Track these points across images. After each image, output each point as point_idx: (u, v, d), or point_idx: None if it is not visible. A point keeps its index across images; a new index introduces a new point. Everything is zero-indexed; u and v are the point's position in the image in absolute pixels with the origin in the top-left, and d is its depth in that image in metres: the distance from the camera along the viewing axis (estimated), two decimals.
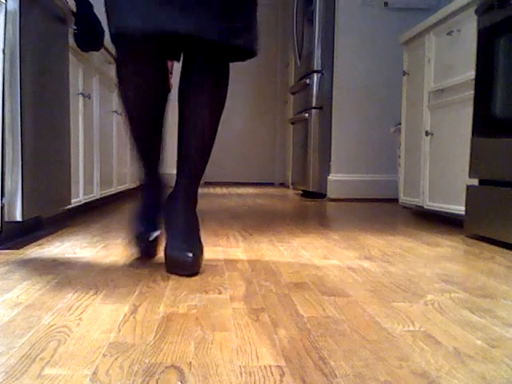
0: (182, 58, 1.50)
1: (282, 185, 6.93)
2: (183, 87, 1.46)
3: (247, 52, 1.42)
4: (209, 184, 6.79)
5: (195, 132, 1.44)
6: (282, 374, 0.77)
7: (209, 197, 4.53)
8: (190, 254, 1.38)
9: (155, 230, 1.54)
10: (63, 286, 1.29)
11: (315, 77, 4.40)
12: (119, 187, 3.67)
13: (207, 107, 1.45)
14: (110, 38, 1.33)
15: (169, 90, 1.47)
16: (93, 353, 0.84)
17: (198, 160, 1.46)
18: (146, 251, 1.56)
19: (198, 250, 1.42)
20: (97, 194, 2.96)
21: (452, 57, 2.58)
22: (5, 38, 1.71)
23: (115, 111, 3.48)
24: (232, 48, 1.40)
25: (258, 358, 0.84)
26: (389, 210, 3.49)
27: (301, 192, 5.07)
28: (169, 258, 1.41)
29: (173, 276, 1.40)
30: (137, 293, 1.23)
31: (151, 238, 1.53)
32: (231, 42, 1.34)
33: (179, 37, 1.34)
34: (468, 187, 2.24)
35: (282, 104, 6.93)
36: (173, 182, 1.49)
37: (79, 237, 2.06)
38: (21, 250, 1.74)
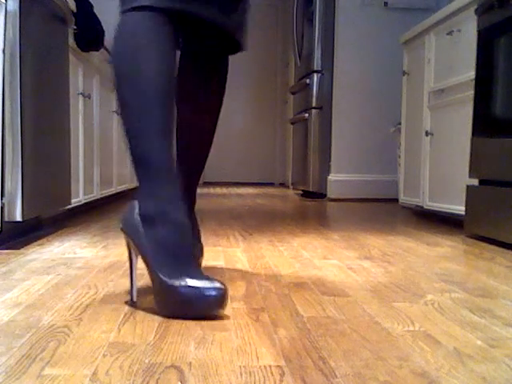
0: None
1: (282, 185, 6.93)
2: (182, 84, 1.40)
3: (239, 47, 1.36)
4: (209, 184, 6.79)
5: (196, 131, 1.43)
6: (282, 374, 0.77)
7: (209, 197, 4.53)
8: None
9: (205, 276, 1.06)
10: (63, 285, 1.29)
11: (315, 77, 4.40)
12: (119, 187, 3.67)
13: (208, 106, 1.43)
14: (126, 9, 1.14)
15: None
16: (93, 353, 0.84)
17: (198, 159, 1.46)
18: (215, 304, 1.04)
19: (198, 250, 1.42)
20: (97, 193, 2.97)
21: (452, 57, 2.58)
22: (5, 38, 1.71)
23: (115, 111, 3.48)
24: (230, 41, 1.34)
25: (257, 358, 0.84)
26: (389, 210, 3.49)
27: (301, 192, 5.07)
28: None
29: None
30: (137, 293, 1.22)
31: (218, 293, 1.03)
32: (237, 36, 1.29)
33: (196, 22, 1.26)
34: (468, 187, 2.24)
35: (282, 104, 6.93)
36: None
37: (79, 237, 2.06)
38: (21, 250, 1.74)
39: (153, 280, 1.06)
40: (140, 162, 1.11)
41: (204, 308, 1.03)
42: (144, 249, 1.07)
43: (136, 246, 1.09)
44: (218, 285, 1.03)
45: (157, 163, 1.10)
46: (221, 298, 1.03)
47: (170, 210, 1.08)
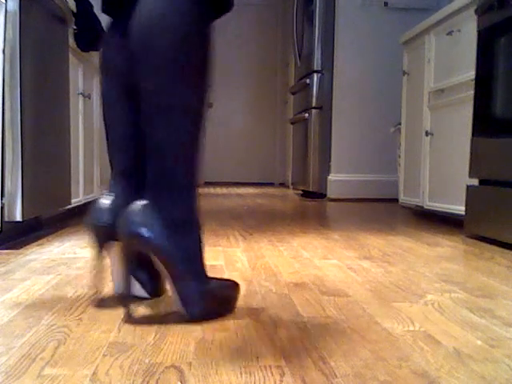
0: None
1: (282, 185, 6.93)
2: None
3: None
4: (209, 184, 6.79)
5: None
6: (282, 374, 0.77)
7: (209, 197, 4.53)
8: None
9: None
10: (63, 286, 1.29)
11: (315, 77, 4.40)
12: None
13: None
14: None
15: None
16: (93, 353, 0.84)
17: None
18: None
19: None
20: (97, 193, 2.97)
21: (452, 57, 2.58)
22: (5, 38, 1.71)
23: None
24: None
25: (257, 358, 0.84)
26: (389, 210, 3.49)
27: (301, 192, 5.07)
28: None
29: None
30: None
31: None
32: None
33: None
34: (468, 187, 2.24)
35: (282, 104, 6.93)
36: None
37: (79, 237, 2.06)
38: (21, 250, 1.74)
39: (182, 286, 1.00)
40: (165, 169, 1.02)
41: (235, 304, 1.10)
42: (170, 255, 1.00)
43: (159, 252, 1.00)
44: (234, 281, 1.11)
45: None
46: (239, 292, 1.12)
47: (194, 217, 1.04)
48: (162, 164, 1.01)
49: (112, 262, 1.15)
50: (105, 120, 1.17)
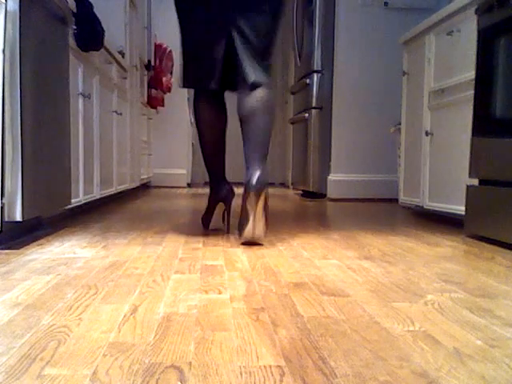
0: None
1: (282, 185, 6.93)
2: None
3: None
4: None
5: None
6: (282, 374, 0.77)
7: None
8: None
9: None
10: (63, 285, 1.29)
11: (315, 77, 4.40)
12: (119, 187, 3.67)
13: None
14: (184, 85, 2.20)
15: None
16: (93, 353, 0.84)
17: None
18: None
19: None
20: (97, 193, 2.97)
21: (452, 57, 2.58)
22: (5, 38, 1.71)
23: (115, 111, 3.48)
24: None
25: (258, 358, 0.84)
26: (389, 210, 3.49)
27: (301, 192, 5.07)
28: None
29: (173, 276, 1.40)
30: (137, 293, 1.23)
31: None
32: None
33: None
34: (468, 187, 2.24)
35: (282, 104, 6.93)
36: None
37: (79, 237, 2.06)
38: (21, 250, 1.74)
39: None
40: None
41: None
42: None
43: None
44: None
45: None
46: None
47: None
48: (263, 150, 2.01)
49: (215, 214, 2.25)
50: (209, 152, 2.52)
